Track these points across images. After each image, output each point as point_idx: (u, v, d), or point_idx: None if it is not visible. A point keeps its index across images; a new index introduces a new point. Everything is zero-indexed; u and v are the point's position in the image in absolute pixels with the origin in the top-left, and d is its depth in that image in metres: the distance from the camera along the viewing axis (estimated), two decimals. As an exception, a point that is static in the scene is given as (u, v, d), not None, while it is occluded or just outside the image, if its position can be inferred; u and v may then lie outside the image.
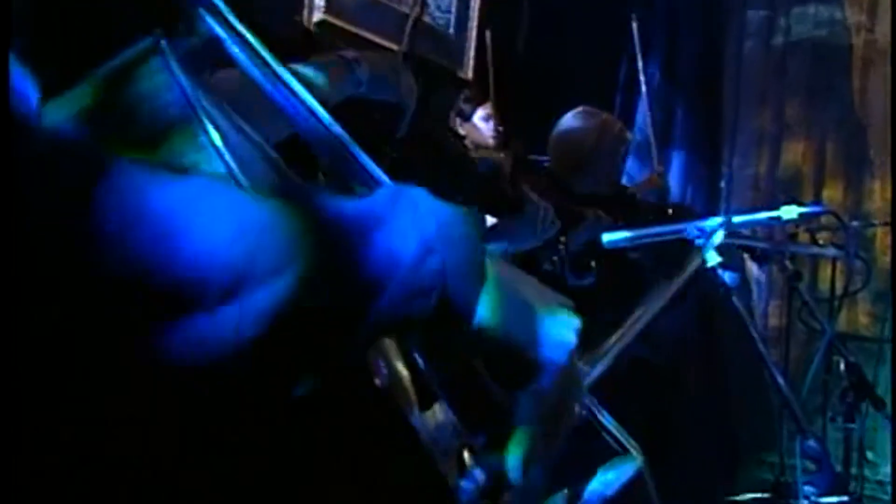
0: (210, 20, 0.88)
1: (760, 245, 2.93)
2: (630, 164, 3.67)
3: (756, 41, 5.00)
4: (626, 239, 2.47)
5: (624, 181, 3.71)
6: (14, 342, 0.59)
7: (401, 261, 0.67)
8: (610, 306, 2.37)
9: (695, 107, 4.95)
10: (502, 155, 3.04)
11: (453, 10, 3.27)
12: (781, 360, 3.29)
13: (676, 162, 4.88)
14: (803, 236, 3.07)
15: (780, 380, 2.23)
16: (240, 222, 0.64)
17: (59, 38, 0.78)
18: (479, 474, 0.81)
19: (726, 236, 2.27)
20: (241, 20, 0.89)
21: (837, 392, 2.91)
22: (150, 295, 0.60)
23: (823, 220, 2.83)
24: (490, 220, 2.52)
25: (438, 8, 3.33)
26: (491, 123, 3.43)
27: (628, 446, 1.48)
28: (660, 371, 3.18)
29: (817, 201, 4.36)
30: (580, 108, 3.45)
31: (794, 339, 3.42)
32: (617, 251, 2.59)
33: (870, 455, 3.36)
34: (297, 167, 0.89)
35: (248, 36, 0.89)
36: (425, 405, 0.83)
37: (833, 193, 4.71)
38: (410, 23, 2.17)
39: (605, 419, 1.48)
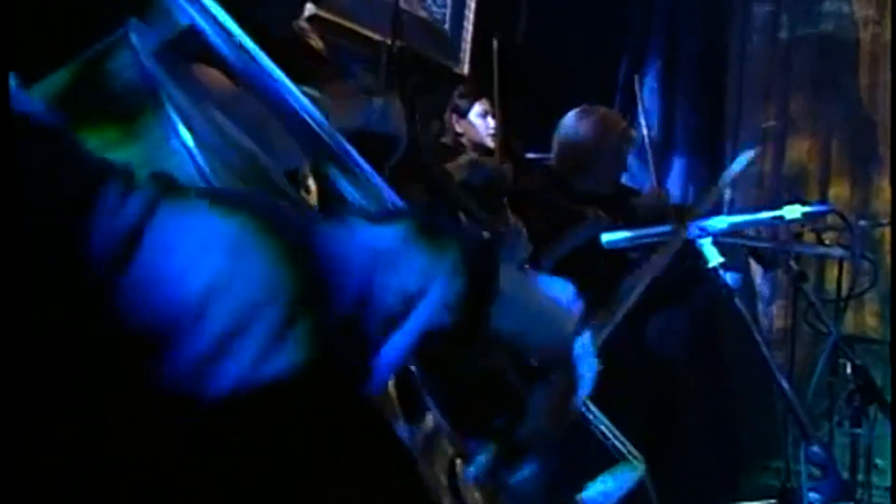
0: (188, 7, 0.87)
1: (764, 245, 2.89)
2: (629, 160, 3.62)
3: (760, 36, 4.95)
4: (625, 239, 2.46)
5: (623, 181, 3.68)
6: (13, 350, 0.60)
7: (425, 294, 0.70)
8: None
9: (696, 103, 4.92)
10: (504, 165, 2.98)
11: (449, 4, 3.22)
12: (787, 363, 3.27)
13: (677, 164, 4.85)
14: (809, 236, 3.04)
15: (784, 383, 2.21)
16: (258, 252, 0.65)
17: (34, 30, 0.78)
18: (482, 461, 0.84)
19: (729, 237, 2.27)
20: (239, 20, 0.90)
21: (844, 395, 2.89)
22: (148, 336, 0.62)
23: (830, 219, 2.78)
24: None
25: (434, 2, 3.27)
26: (488, 120, 3.37)
27: (629, 454, 1.49)
28: (661, 374, 3.15)
29: (823, 200, 4.33)
30: (585, 106, 3.43)
31: (800, 341, 3.38)
32: (617, 251, 2.55)
33: (879, 462, 3.32)
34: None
35: (228, 23, 0.89)
36: (416, 414, 0.84)
37: (840, 191, 4.66)
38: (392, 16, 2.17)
39: (605, 426, 1.49)
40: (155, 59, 0.78)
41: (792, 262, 2.71)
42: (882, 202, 4.49)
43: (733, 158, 4.87)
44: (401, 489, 0.80)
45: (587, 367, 0.87)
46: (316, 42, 1.90)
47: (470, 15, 3.39)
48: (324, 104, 1.56)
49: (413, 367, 0.87)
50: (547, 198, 3.21)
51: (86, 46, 0.77)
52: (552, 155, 3.41)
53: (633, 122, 3.86)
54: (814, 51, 4.78)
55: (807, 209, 2.24)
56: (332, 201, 0.99)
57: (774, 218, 2.27)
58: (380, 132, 1.82)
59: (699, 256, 2.25)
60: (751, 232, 2.85)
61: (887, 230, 4.03)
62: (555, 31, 4.31)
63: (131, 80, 0.76)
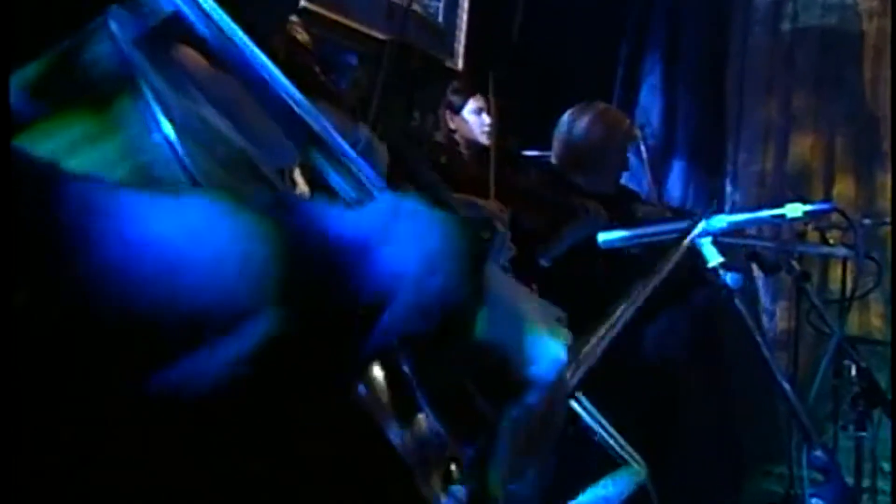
0: None
1: (766, 244, 2.84)
2: (630, 159, 3.57)
3: (762, 28, 4.90)
4: (622, 238, 2.43)
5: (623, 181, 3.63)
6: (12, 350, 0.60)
7: (403, 279, 0.68)
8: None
9: (697, 99, 4.88)
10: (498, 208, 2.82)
11: (442, -3, 3.15)
12: (790, 365, 3.23)
13: (678, 164, 4.82)
14: (812, 235, 3.02)
15: (787, 386, 2.17)
16: (242, 251, 0.65)
17: (13, 19, 0.76)
18: (460, 492, 0.81)
19: (730, 236, 2.24)
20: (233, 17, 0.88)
21: (848, 398, 2.83)
22: (152, 331, 0.62)
23: (833, 217, 2.73)
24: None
25: (428, -5, 3.20)
26: (482, 117, 3.31)
27: (631, 458, 1.50)
28: (662, 377, 3.13)
29: (826, 198, 4.30)
30: (586, 103, 3.38)
31: (803, 343, 3.34)
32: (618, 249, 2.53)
33: (885, 465, 3.27)
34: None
35: (212, 10, 0.87)
36: (409, 417, 0.82)
37: (844, 189, 4.62)
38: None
39: (607, 430, 1.49)
40: (136, 47, 0.77)
41: (794, 262, 2.67)
42: (887, 200, 4.43)
43: (735, 157, 4.87)
44: (392, 494, 0.78)
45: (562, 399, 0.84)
46: (302, 35, 1.87)
47: (464, 10, 3.33)
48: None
49: (406, 368, 0.84)
50: (547, 195, 3.16)
51: (65, 35, 0.76)
52: (552, 153, 3.36)
53: (633, 118, 3.83)
54: (817, 44, 4.74)
55: (808, 207, 2.19)
56: (319, 190, 0.97)
57: (775, 216, 2.22)
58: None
59: (698, 256, 2.21)
60: (752, 231, 2.80)
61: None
62: (552, 25, 4.27)
63: (110, 69, 0.75)
